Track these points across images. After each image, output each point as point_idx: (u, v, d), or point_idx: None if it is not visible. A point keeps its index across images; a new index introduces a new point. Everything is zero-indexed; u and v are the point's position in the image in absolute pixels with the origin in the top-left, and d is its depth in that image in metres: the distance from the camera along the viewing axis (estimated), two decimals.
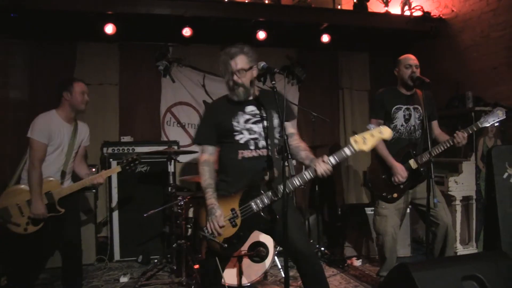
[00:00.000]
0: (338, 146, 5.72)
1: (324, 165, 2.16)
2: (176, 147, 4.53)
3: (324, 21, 4.66)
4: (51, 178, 2.91)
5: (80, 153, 3.14)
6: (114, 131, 4.91)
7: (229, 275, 3.24)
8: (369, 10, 4.92)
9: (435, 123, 3.28)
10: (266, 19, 4.48)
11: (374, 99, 3.34)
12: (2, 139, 4.53)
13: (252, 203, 2.24)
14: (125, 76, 5.02)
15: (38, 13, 3.96)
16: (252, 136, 2.30)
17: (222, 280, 2.42)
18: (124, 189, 4.34)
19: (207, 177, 2.32)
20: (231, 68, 2.27)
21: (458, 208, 3.90)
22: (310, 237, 4.55)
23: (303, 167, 2.55)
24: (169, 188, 3.80)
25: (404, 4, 4.99)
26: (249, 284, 3.36)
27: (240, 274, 3.25)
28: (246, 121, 2.32)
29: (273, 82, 2.14)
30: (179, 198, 3.62)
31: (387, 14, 4.96)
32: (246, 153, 2.29)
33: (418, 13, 4.89)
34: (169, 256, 4.01)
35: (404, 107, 3.15)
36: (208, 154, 2.38)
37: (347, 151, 2.19)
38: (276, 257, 3.63)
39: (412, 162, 3.07)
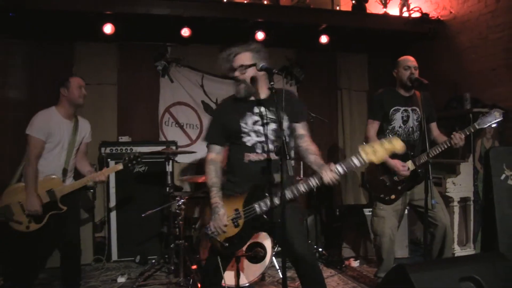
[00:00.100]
0: (337, 147, 5.72)
1: (331, 174, 2.14)
2: (174, 147, 4.52)
3: (322, 22, 4.67)
4: (53, 176, 2.91)
5: (82, 150, 3.14)
6: (112, 131, 4.91)
7: (227, 276, 3.20)
8: (368, 11, 4.93)
9: (433, 125, 3.28)
10: (265, 20, 4.49)
11: (372, 99, 3.34)
12: (1, 139, 4.53)
13: (256, 205, 2.24)
14: (123, 76, 5.02)
15: (37, 13, 3.97)
16: (260, 139, 2.28)
17: (222, 281, 2.41)
18: (122, 189, 4.33)
19: (212, 176, 2.32)
20: (232, 64, 2.28)
21: (456, 209, 3.91)
22: (308, 238, 4.54)
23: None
24: (167, 188, 3.79)
25: (402, 6, 5.00)
26: (247, 284, 3.36)
27: (238, 274, 3.24)
28: (255, 122, 2.29)
29: (272, 83, 2.13)
30: (177, 198, 3.61)
31: (386, 15, 4.97)
32: (253, 156, 2.27)
33: (416, 15, 4.91)
34: (167, 256, 4.00)
35: (402, 108, 3.15)
36: (215, 153, 2.38)
37: (356, 161, 2.15)
38: (274, 258, 3.63)
39: (410, 164, 3.07)
